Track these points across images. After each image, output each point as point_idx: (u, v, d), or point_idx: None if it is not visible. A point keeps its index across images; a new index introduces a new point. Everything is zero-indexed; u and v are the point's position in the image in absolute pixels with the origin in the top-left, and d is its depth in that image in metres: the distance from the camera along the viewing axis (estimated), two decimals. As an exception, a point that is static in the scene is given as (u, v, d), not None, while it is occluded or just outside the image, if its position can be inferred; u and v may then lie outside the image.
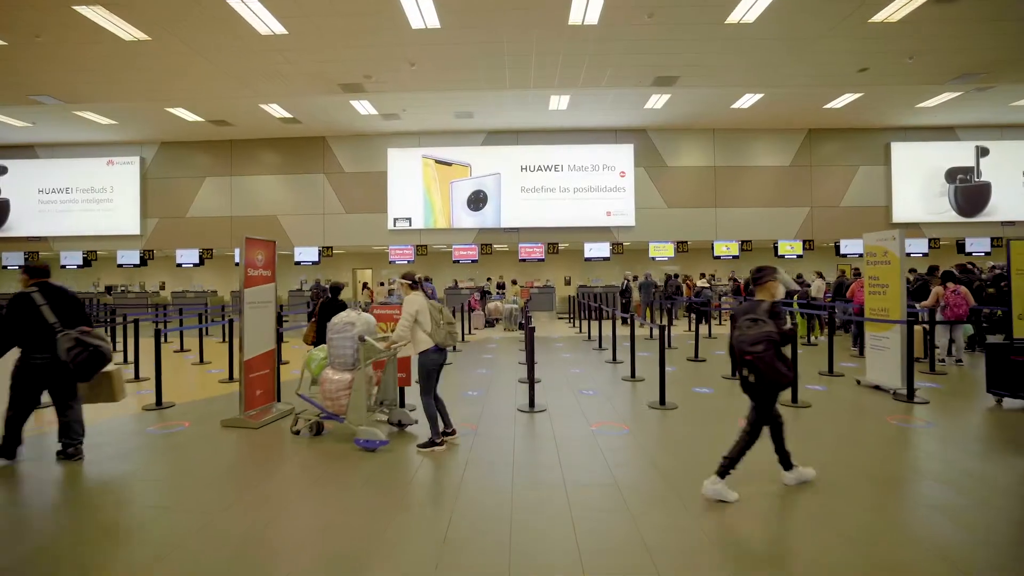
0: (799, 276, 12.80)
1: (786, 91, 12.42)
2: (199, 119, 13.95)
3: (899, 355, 5.86)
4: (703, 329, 12.09)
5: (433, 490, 3.67)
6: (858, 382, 6.54)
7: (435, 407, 4.34)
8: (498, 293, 15.71)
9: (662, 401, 5.61)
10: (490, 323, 14.01)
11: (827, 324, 10.87)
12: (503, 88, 11.84)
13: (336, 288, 6.29)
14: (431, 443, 4.28)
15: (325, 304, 5.93)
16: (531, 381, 5.68)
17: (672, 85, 11.75)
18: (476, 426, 5.00)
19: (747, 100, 13.13)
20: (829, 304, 11.01)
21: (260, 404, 5.39)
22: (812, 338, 10.27)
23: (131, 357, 7.88)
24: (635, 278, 15.84)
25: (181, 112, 13.37)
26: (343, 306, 6.52)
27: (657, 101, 13.19)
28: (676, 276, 14.96)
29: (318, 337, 5.83)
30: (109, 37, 9.07)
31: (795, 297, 11.08)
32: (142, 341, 7.90)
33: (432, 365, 4.31)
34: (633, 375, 7.04)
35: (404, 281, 4.46)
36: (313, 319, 6.09)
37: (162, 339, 6.42)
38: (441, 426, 4.42)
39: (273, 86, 11.46)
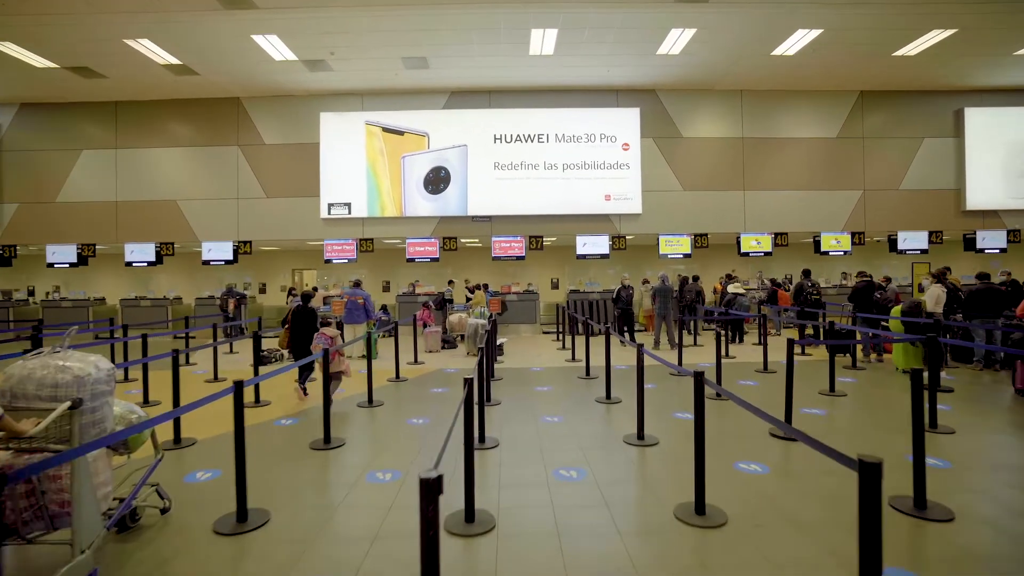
0: (886, 279, 9.05)
1: (856, 19, 8.59)
2: (51, 64, 9.74)
3: None
4: (735, 350, 8.29)
5: None
6: None
7: None
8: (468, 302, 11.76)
9: None
10: (450, 343, 10.03)
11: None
12: (462, 2, 7.86)
13: (307, 296, 6.27)
14: None
15: (297, 312, 6.11)
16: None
17: (707, 0, 7.86)
18: None
19: (796, 41, 9.28)
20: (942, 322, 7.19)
21: None
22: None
23: None
24: (644, 282, 12.02)
25: (15, 51, 9.19)
26: (313, 314, 6.15)
27: (675, 42, 9.29)
28: (695, 279, 11.12)
29: (292, 343, 6.11)
30: None
31: (895, 310, 7.22)
32: None
33: None
34: (700, 509, 3.10)
35: None
36: (287, 325, 6.33)
37: None
38: None
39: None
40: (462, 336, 10.26)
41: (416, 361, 8.39)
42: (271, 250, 15.27)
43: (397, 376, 7.14)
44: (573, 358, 8.43)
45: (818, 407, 5.43)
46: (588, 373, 7.12)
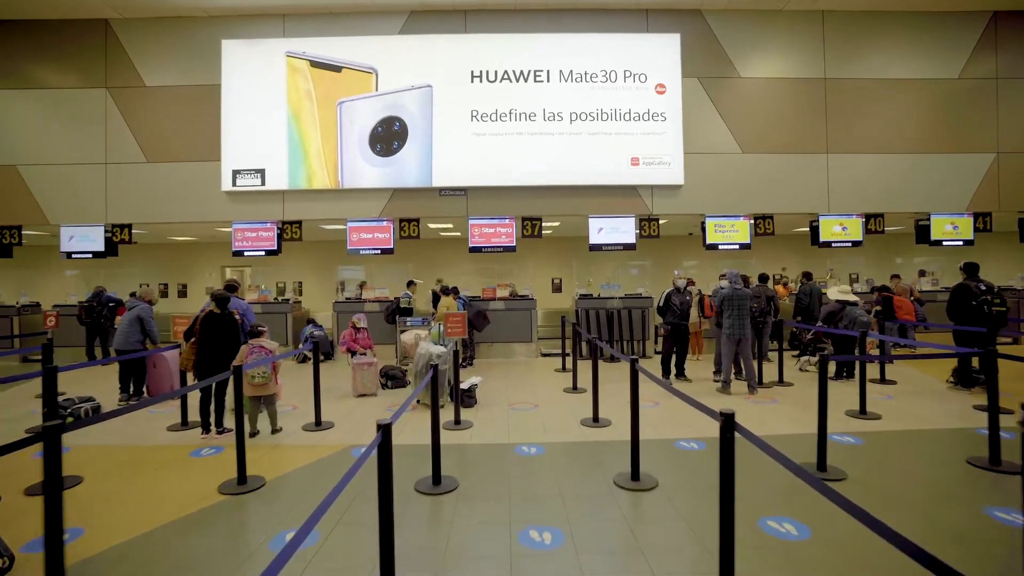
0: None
1: None
2: None
3: None
4: (847, 392, 4.36)
5: None
6: None
7: None
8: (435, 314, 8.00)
9: None
10: (397, 379, 6.24)
11: None
12: None
13: (222, 299, 4.30)
14: None
15: (208, 320, 4.24)
16: None
17: None
18: None
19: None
20: None
21: None
22: None
23: None
24: (690, 283, 8.33)
25: None
26: (232, 323, 4.32)
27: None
28: (763, 279, 7.40)
29: (199, 363, 4.25)
30: None
31: None
32: None
33: None
34: None
35: None
36: (192, 340, 4.34)
37: None
38: None
39: None
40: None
41: (317, 424, 4.60)
42: (190, 241, 11.50)
43: (242, 475, 3.34)
44: (595, 419, 4.64)
45: None
46: (636, 472, 3.34)
